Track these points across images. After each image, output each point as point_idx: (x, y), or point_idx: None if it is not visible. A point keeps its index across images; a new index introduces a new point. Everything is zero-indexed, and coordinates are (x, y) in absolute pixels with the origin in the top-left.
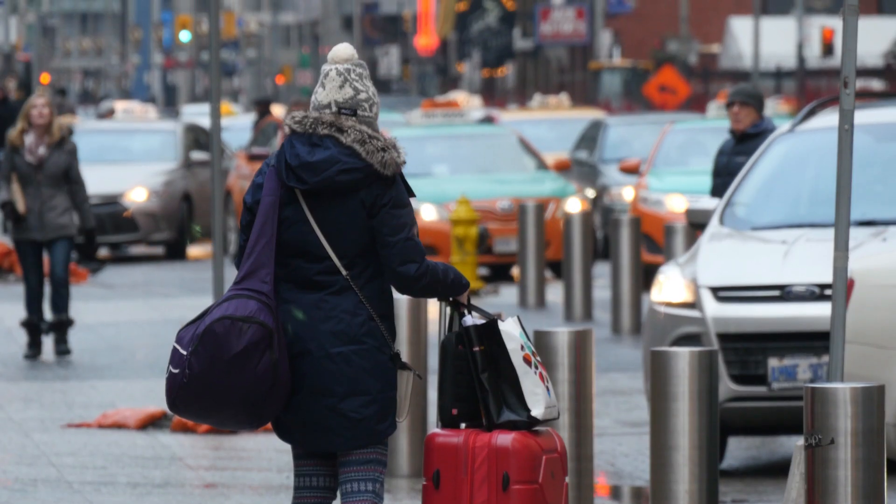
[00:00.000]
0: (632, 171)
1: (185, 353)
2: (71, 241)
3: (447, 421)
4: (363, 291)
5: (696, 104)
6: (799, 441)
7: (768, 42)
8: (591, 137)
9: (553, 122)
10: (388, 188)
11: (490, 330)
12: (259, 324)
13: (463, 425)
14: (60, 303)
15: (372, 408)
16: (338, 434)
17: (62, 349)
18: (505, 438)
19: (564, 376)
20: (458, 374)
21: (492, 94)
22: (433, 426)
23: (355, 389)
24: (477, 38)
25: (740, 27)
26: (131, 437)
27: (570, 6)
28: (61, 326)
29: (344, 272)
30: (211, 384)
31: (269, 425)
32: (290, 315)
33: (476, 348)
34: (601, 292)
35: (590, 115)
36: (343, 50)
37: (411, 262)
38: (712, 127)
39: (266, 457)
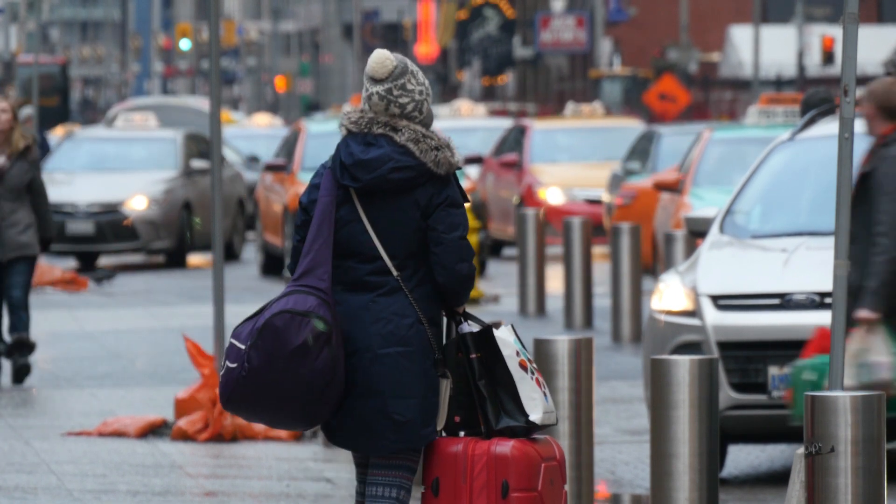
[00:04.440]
0: (669, 188)
1: (243, 347)
2: (32, 262)
3: (449, 428)
4: (413, 294)
5: (696, 112)
6: (799, 449)
7: (768, 50)
8: (642, 149)
9: (586, 130)
10: (443, 187)
11: (485, 337)
12: (319, 318)
13: (462, 433)
14: (19, 323)
15: (417, 411)
16: (382, 436)
17: (21, 364)
18: (504, 446)
19: (564, 384)
20: (459, 381)
21: (492, 102)
22: None
23: (401, 392)
24: (477, 47)
25: (740, 35)
26: (131, 445)
27: (570, 14)
28: (20, 347)
29: (395, 273)
30: (270, 378)
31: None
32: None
33: (473, 355)
34: (601, 300)
35: (623, 124)
36: (380, 69)
37: (464, 262)
38: (754, 137)
39: (266, 465)
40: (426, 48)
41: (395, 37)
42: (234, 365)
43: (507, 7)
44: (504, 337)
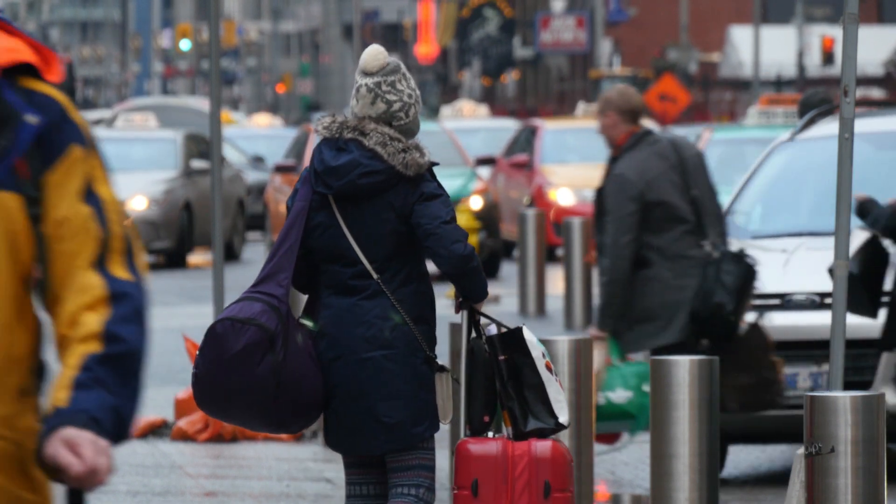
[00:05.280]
0: None
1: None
2: None
3: (477, 428)
4: (395, 295)
5: (696, 113)
6: (799, 449)
7: (768, 50)
8: None
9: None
10: (416, 187)
11: (515, 338)
12: (258, 326)
13: (490, 433)
14: None
15: (405, 411)
16: (373, 438)
17: None
18: (544, 447)
19: (565, 384)
20: (488, 381)
21: (492, 102)
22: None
23: (387, 394)
24: (477, 47)
25: (740, 36)
26: (131, 445)
27: (570, 15)
28: None
29: (375, 276)
30: (215, 384)
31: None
32: (325, 320)
33: (501, 357)
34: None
35: None
36: (372, 61)
37: (458, 242)
38: (754, 137)
39: (266, 465)
40: (426, 48)
41: (395, 37)
42: (193, 370)
43: (506, 7)
44: (531, 338)
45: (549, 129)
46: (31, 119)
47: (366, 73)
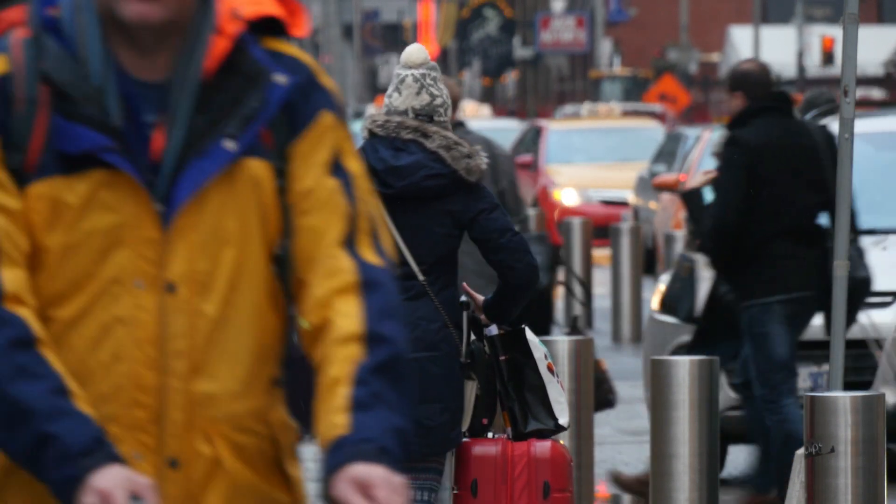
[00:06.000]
0: (669, 188)
1: None
2: None
3: (476, 430)
4: (438, 298)
5: (696, 113)
6: (799, 450)
7: (768, 51)
8: (670, 151)
9: (603, 131)
10: (477, 196)
11: (518, 338)
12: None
13: (490, 434)
14: None
15: (445, 415)
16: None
17: None
18: (543, 447)
19: (565, 385)
20: (488, 383)
21: (492, 102)
22: None
23: (430, 396)
24: (477, 47)
25: (740, 36)
26: None
27: (570, 15)
28: None
29: (421, 278)
30: None
31: None
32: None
33: (502, 357)
34: (602, 301)
35: (640, 124)
36: (417, 54)
37: (528, 252)
38: None
39: None
40: (426, 48)
41: (395, 37)
42: None
43: (507, 7)
44: (533, 339)
45: (555, 129)
46: (281, 79)
47: (409, 66)
